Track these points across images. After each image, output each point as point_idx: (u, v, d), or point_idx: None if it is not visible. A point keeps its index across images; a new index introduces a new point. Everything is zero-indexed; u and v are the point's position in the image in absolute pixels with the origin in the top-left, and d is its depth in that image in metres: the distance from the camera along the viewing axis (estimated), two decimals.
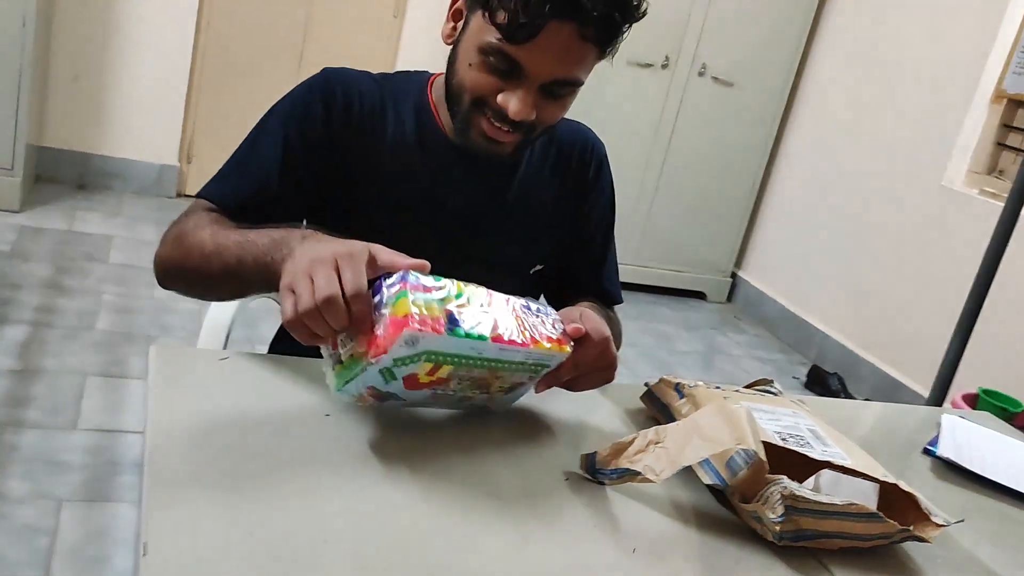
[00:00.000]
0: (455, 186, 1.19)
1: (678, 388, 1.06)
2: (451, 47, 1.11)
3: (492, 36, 1.02)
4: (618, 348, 1.24)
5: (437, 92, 1.19)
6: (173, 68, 3.66)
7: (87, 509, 1.79)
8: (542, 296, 1.36)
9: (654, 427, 0.90)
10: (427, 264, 0.86)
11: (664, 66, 3.78)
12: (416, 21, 3.85)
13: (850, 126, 3.76)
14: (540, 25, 0.98)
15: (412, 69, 1.26)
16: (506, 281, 1.21)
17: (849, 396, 3.34)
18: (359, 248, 0.84)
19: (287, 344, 1.10)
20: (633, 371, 3.19)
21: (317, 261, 0.82)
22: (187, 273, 1.05)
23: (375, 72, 1.22)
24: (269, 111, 1.16)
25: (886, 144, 3.56)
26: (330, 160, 1.14)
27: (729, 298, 4.34)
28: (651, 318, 3.82)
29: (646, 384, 1.14)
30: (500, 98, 1.05)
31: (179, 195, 3.84)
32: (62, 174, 3.64)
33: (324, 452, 0.84)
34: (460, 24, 1.09)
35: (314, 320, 0.80)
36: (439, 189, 1.18)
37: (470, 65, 1.06)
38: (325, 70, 1.17)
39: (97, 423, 2.08)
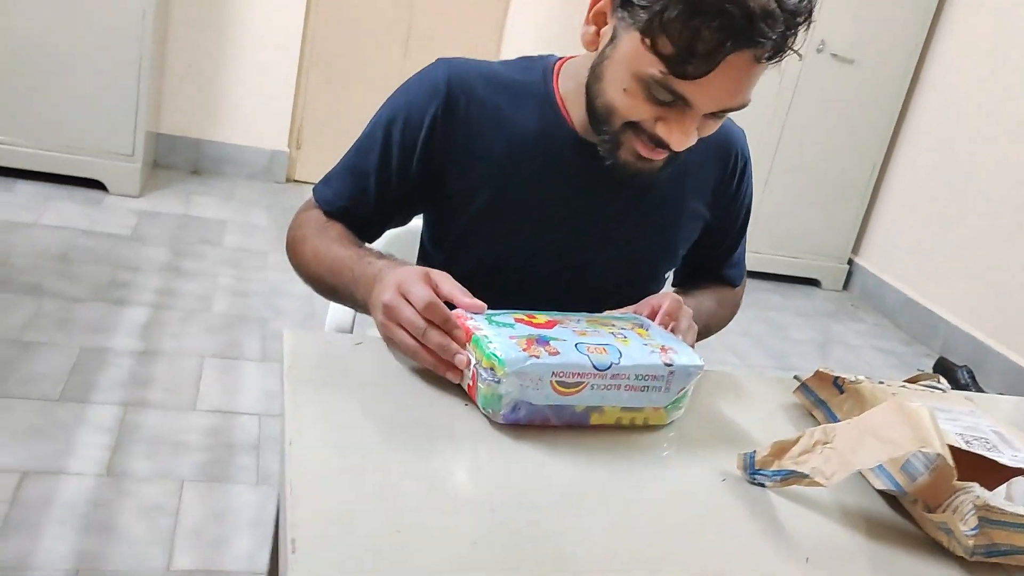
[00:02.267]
0: (587, 189, 1.08)
1: (837, 383, 0.97)
2: (595, 54, 0.98)
3: (655, 68, 0.89)
4: (720, 325, 1.25)
5: (565, 83, 1.07)
6: (283, 56, 3.70)
7: (207, 489, 1.81)
8: None
9: (820, 426, 0.82)
10: (483, 306, 0.88)
11: None
12: (523, 2, 3.79)
13: (979, 105, 3.53)
14: (717, 61, 0.86)
15: (536, 55, 1.15)
16: (642, 285, 1.15)
17: (979, 390, 3.14)
18: (414, 272, 0.89)
19: None
20: (746, 360, 3.08)
21: (387, 307, 0.87)
22: (301, 273, 1.12)
23: (496, 61, 1.12)
24: (381, 107, 1.11)
25: (1019, 125, 3.33)
26: (437, 169, 1.08)
27: (845, 286, 4.16)
28: (764, 306, 3.68)
29: (796, 377, 1.05)
30: (661, 129, 0.94)
31: (288, 180, 3.89)
32: (178, 160, 3.73)
33: (469, 443, 0.80)
34: (605, 31, 0.96)
35: (427, 350, 0.85)
36: (568, 191, 1.08)
37: (624, 90, 0.93)
38: (439, 64, 1.08)
39: (215, 404, 2.11)
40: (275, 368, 2.35)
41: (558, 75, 1.10)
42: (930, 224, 3.74)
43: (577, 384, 0.81)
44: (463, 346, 0.84)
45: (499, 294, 0.99)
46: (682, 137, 0.94)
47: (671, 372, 0.85)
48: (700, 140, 1.08)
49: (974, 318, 3.45)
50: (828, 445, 0.80)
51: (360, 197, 1.11)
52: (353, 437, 0.77)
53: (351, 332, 1.26)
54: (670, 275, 1.30)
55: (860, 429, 0.79)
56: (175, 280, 2.72)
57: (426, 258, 1.20)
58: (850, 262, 4.13)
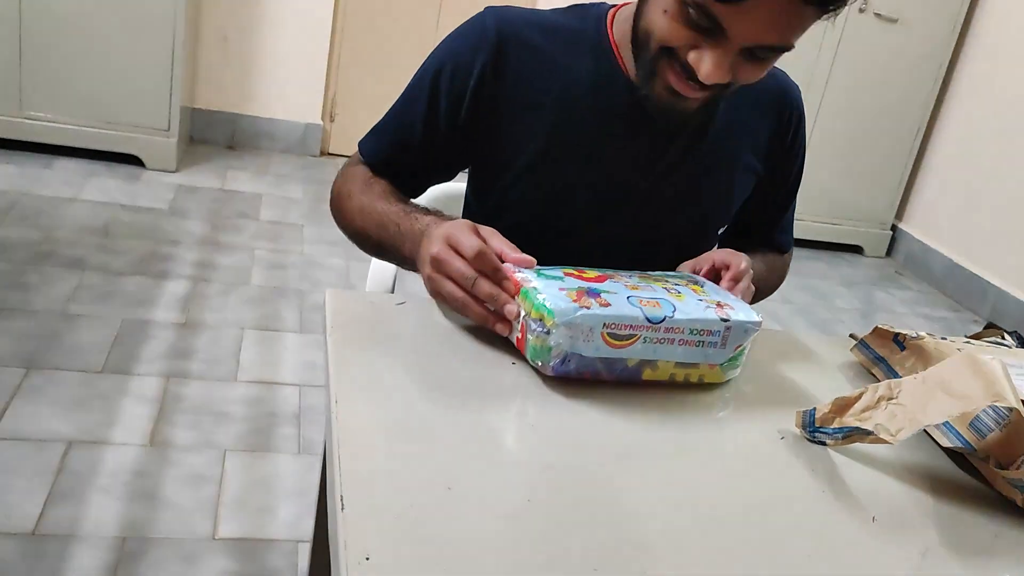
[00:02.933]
0: (641, 134, 1.04)
1: (898, 339, 0.94)
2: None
3: None
4: (767, 292, 1.20)
5: (619, 28, 1.04)
6: (315, 28, 3.68)
7: (250, 458, 1.81)
8: None
9: (884, 381, 0.78)
10: (533, 260, 0.86)
11: None
12: None
13: None
14: None
15: (589, 2, 1.11)
16: (694, 244, 1.11)
17: None
18: (462, 224, 0.87)
19: None
20: (790, 328, 3.02)
21: (435, 259, 0.85)
22: (350, 236, 1.10)
23: (552, 9, 1.08)
24: (429, 57, 1.08)
25: None
26: (487, 119, 1.05)
27: (889, 252, 4.07)
28: (806, 274, 3.62)
29: (852, 336, 1.02)
30: (692, 56, 0.89)
31: (323, 153, 3.88)
32: (213, 135, 3.74)
33: (519, 401, 0.78)
34: None
35: (476, 301, 0.83)
36: (621, 142, 1.04)
37: (664, 12, 0.89)
38: (487, 12, 1.04)
39: (255, 375, 2.11)
40: (313, 339, 2.34)
41: (612, 22, 1.06)
42: (977, 188, 3.64)
43: (629, 337, 0.78)
44: (512, 299, 0.82)
45: (547, 247, 0.97)
46: (713, 69, 0.88)
47: (728, 328, 0.82)
48: (754, 91, 1.05)
49: (1023, 282, 3.36)
50: (893, 401, 0.76)
51: (405, 148, 1.09)
52: (399, 395, 0.75)
53: (392, 292, 1.24)
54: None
55: (928, 384, 0.76)
56: (214, 253, 2.73)
57: (471, 214, 1.18)
58: (894, 228, 4.04)
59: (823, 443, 0.79)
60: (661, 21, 0.90)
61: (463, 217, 1.20)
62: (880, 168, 3.90)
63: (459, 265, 0.83)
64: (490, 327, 0.84)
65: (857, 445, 0.78)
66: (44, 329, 2.12)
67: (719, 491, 0.70)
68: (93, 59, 3.12)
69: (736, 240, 1.22)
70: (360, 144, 1.13)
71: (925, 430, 0.82)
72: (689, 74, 0.91)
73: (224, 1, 3.56)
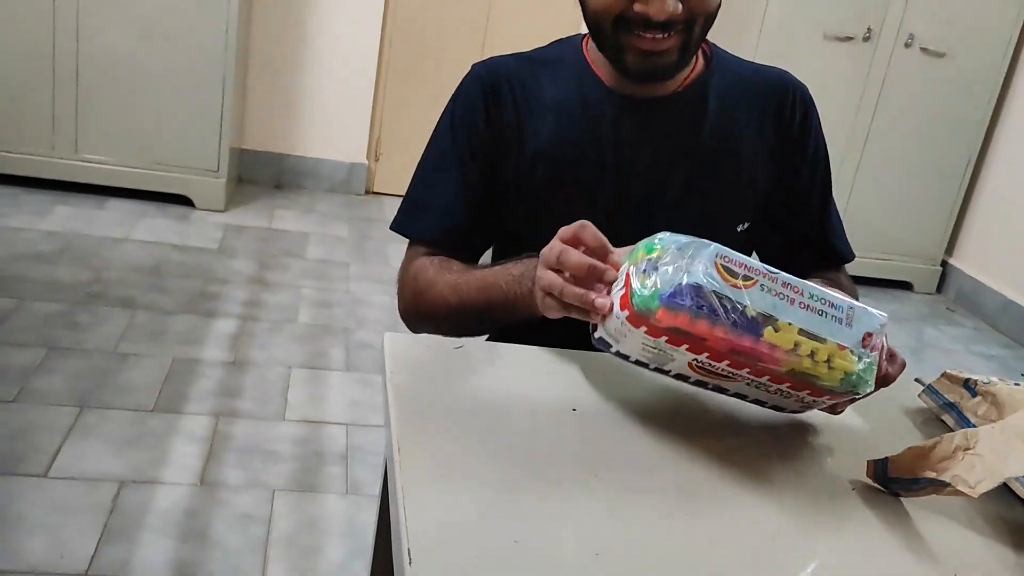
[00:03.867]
0: (636, 139, 1.07)
1: (968, 385, 0.91)
2: None
3: None
4: None
5: (592, 46, 1.08)
6: (360, 70, 3.74)
7: (298, 499, 1.81)
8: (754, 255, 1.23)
9: (960, 431, 0.76)
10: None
11: (866, 39, 3.50)
12: None
13: None
14: None
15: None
16: (710, 239, 1.10)
17: None
18: (566, 229, 0.85)
19: (508, 333, 1.06)
20: None
21: (543, 259, 0.84)
22: (439, 325, 1.07)
23: (528, 50, 1.14)
24: (437, 127, 1.13)
25: None
26: (501, 157, 1.09)
27: (939, 288, 3.99)
28: None
29: (917, 379, 0.99)
30: (637, 6, 0.94)
31: (367, 192, 3.92)
32: (260, 175, 3.80)
33: (580, 452, 0.76)
34: None
35: (572, 291, 0.79)
36: (616, 147, 1.07)
37: None
38: (474, 67, 1.12)
39: (303, 414, 2.12)
40: (360, 378, 2.35)
41: (587, 44, 1.11)
42: None
43: (747, 278, 0.73)
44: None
45: None
46: (660, 4, 0.93)
47: (851, 308, 0.77)
48: (747, 83, 1.11)
49: None
50: (970, 451, 0.74)
51: (454, 211, 1.09)
52: (460, 444, 0.74)
53: None
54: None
55: (1007, 434, 0.73)
56: (261, 292, 2.76)
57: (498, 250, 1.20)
58: (944, 263, 3.97)
59: (897, 494, 0.76)
60: None
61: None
62: (929, 202, 3.84)
63: (561, 254, 0.82)
64: (594, 310, 0.78)
65: (933, 497, 0.75)
66: (96, 368, 2.15)
67: (791, 543, 0.68)
68: (146, 102, 3.20)
69: (792, 259, 1.18)
70: (401, 228, 1.13)
71: (1005, 482, 0.79)
72: (646, 25, 0.95)
73: (272, 42, 3.64)
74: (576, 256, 0.81)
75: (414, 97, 3.84)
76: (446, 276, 1.05)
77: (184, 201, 3.35)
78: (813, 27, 3.40)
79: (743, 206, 1.13)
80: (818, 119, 1.15)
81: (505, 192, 1.10)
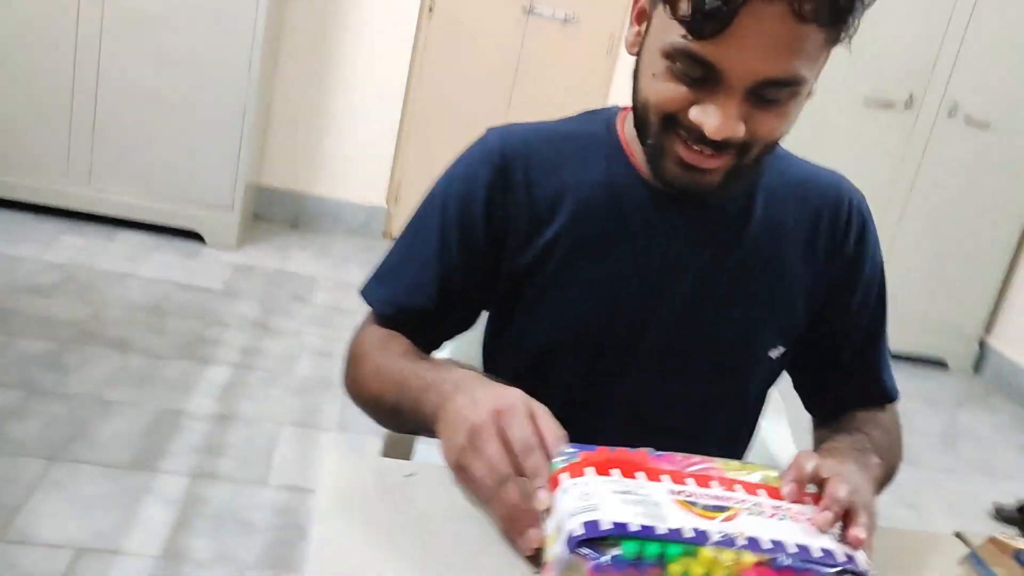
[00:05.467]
0: (667, 241, 0.93)
1: (1019, 557, 0.76)
2: (635, 58, 0.87)
3: (676, 34, 0.77)
4: (890, 478, 0.95)
5: (630, 128, 0.93)
6: (385, 113, 3.66)
7: None
8: (779, 387, 1.08)
9: None
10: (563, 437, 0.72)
11: (907, 105, 3.36)
12: (629, 60, 3.66)
13: None
14: (734, 9, 0.73)
15: (600, 108, 1.02)
16: (737, 365, 0.97)
17: None
18: (517, 402, 0.73)
19: None
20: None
21: (475, 431, 0.71)
22: (364, 406, 0.96)
23: (552, 120, 1.00)
24: (431, 189, 0.99)
25: None
26: (500, 250, 0.95)
27: (976, 369, 3.80)
28: None
29: (959, 536, 0.85)
30: (693, 113, 0.80)
31: (386, 236, 3.83)
32: (277, 213, 3.72)
33: None
34: (644, 28, 0.85)
35: (503, 504, 0.69)
36: (643, 250, 0.93)
37: (653, 75, 0.82)
38: (488, 135, 0.97)
39: (287, 479, 2.00)
40: (353, 440, 2.23)
41: (623, 123, 0.97)
42: None
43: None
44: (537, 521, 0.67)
45: (571, 376, 0.95)
46: (719, 121, 0.78)
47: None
48: (801, 186, 0.96)
49: None
50: None
51: (421, 291, 0.96)
52: None
53: (410, 457, 1.11)
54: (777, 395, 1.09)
55: None
56: (262, 338, 2.65)
57: (490, 355, 1.05)
58: (982, 343, 3.78)
59: None
60: (653, 87, 0.82)
61: (483, 360, 1.07)
62: (969, 278, 3.67)
63: (495, 453, 0.70)
64: (509, 538, 0.70)
65: None
66: (75, 416, 2.04)
67: None
68: (164, 134, 3.14)
69: (830, 392, 1.04)
70: (365, 293, 1.00)
71: None
72: (698, 137, 0.81)
73: (298, 79, 3.58)
74: (525, 431, 0.70)
75: (437, 142, 3.76)
76: (379, 357, 0.92)
77: (196, 236, 3.27)
78: (853, 92, 3.27)
79: (780, 330, 0.98)
80: (876, 235, 1.01)
81: (508, 283, 0.97)
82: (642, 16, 0.86)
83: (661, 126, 0.83)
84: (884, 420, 0.99)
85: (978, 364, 3.79)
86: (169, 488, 1.87)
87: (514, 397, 0.74)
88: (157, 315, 2.64)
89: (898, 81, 3.33)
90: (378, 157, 3.73)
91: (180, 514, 1.80)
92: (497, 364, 1.03)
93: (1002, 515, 2.55)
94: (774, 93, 0.79)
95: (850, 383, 1.02)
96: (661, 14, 0.79)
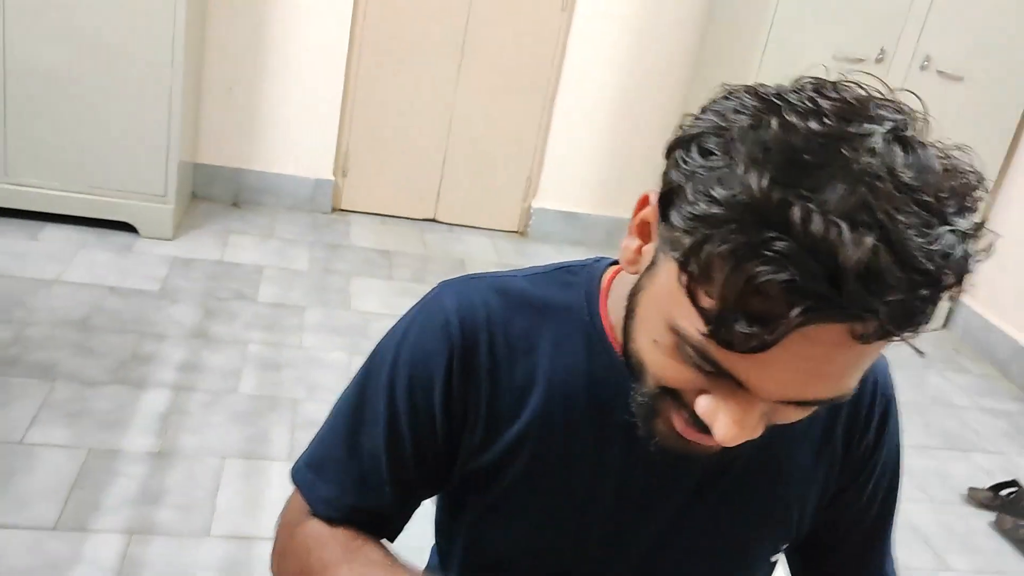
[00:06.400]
0: (650, 454, 0.72)
1: None
2: (635, 279, 0.67)
3: (693, 322, 0.57)
4: None
5: (617, 306, 0.74)
6: (327, 77, 3.42)
7: None
8: None
9: None
10: None
11: (879, 60, 3.19)
12: (586, 15, 3.43)
13: None
14: (782, 333, 0.53)
15: (580, 261, 0.82)
16: (730, 568, 0.83)
17: None
18: None
19: None
20: None
21: None
22: None
23: (523, 275, 0.80)
24: (375, 362, 0.80)
25: None
26: (456, 445, 0.78)
27: (946, 324, 3.74)
28: None
29: None
30: (703, 406, 0.61)
31: (334, 210, 3.63)
32: (217, 191, 3.50)
33: None
34: (647, 249, 0.66)
35: None
36: (624, 459, 0.77)
37: (655, 342, 0.63)
38: (445, 299, 0.78)
39: (232, 527, 1.86)
40: None
41: (607, 293, 0.78)
42: None
43: None
44: None
45: None
46: (733, 428, 0.60)
47: None
48: None
49: None
50: None
51: (373, 490, 0.79)
52: None
53: None
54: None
55: None
56: (202, 350, 2.48)
57: (442, 552, 0.91)
58: (952, 299, 3.70)
59: None
60: (652, 354, 0.63)
61: (436, 539, 0.92)
62: None
63: None
64: None
65: None
66: None
67: None
68: (84, 120, 2.89)
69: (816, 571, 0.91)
70: (304, 486, 0.82)
71: None
72: (699, 426, 0.63)
73: (229, 51, 3.32)
74: None
75: (386, 109, 3.53)
76: (354, 568, 0.74)
77: (130, 228, 3.05)
78: (821, 48, 3.09)
79: (783, 534, 0.83)
80: (897, 415, 0.85)
81: (469, 479, 0.80)
82: (644, 232, 0.66)
83: (657, 391, 0.65)
84: None
85: (947, 320, 3.73)
86: (103, 550, 1.73)
87: None
88: (87, 331, 2.45)
89: (869, 35, 3.16)
90: (322, 126, 3.50)
91: None
92: (449, 551, 0.89)
93: (976, 499, 2.51)
94: (809, 404, 0.62)
95: (850, 573, 0.89)
96: (673, 275, 0.59)
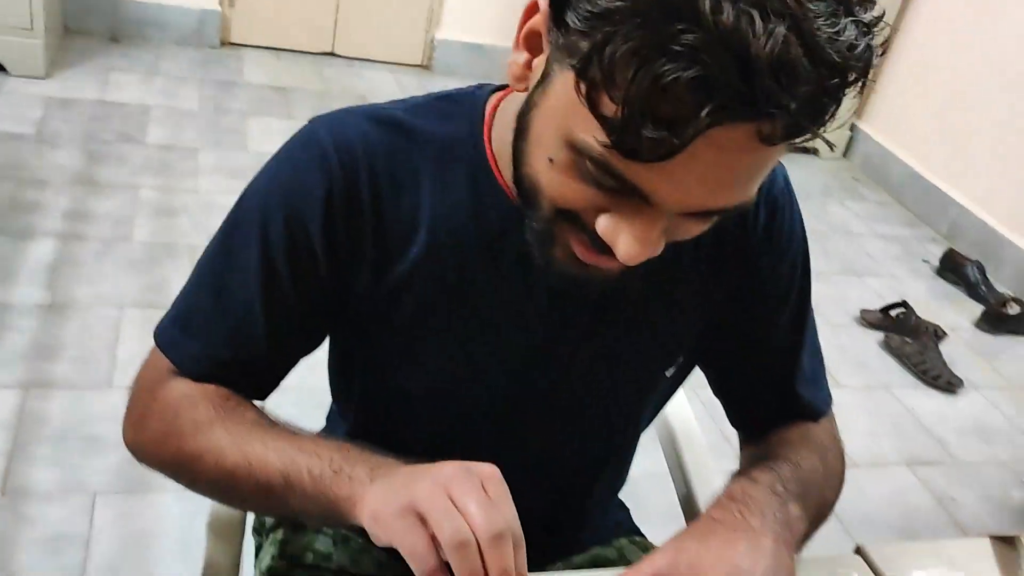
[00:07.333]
0: (542, 281, 0.73)
1: None
2: (525, 96, 0.62)
3: (592, 133, 0.54)
4: (821, 521, 0.80)
5: (501, 134, 0.70)
6: None
7: (124, 504, 1.55)
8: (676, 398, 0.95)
9: None
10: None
11: None
12: None
13: None
14: (690, 136, 0.50)
15: (463, 88, 0.76)
16: (629, 390, 0.83)
17: (990, 288, 2.90)
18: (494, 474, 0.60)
19: None
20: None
21: (454, 478, 0.58)
22: (191, 480, 0.74)
23: (402, 107, 0.74)
24: (243, 205, 0.75)
25: None
26: (345, 271, 0.73)
27: (846, 153, 3.81)
28: None
29: (858, 550, 0.78)
30: (603, 225, 0.59)
31: (224, 44, 3.39)
32: (93, 24, 3.22)
33: None
34: (538, 62, 0.60)
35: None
36: (516, 289, 0.74)
37: (551, 161, 0.59)
38: (318, 130, 0.72)
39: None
40: None
41: (491, 121, 0.73)
42: (943, 88, 3.36)
43: None
44: None
45: (434, 426, 0.81)
46: (636, 245, 0.58)
47: None
48: None
49: (988, 202, 3.16)
50: None
51: (246, 341, 0.74)
52: None
53: None
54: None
55: None
56: (88, 197, 2.34)
57: (338, 388, 0.88)
58: (852, 126, 3.77)
59: None
60: (548, 175, 0.60)
61: (332, 390, 0.89)
62: None
63: (460, 526, 0.56)
64: None
65: None
66: None
67: None
68: None
69: (746, 408, 0.89)
70: (166, 345, 0.76)
71: None
72: (602, 248, 0.60)
73: None
74: (491, 515, 0.56)
75: None
76: (230, 427, 0.70)
77: None
78: None
79: (675, 350, 0.81)
80: (793, 220, 0.80)
81: (352, 323, 0.77)
82: (533, 45, 0.61)
83: (553, 215, 0.61)
84: (817, 438, 0.84)
85: (848, 148, 3.80)
86: (0, 407, 1.68)
87: (488, 470, 0.60)
88: None
89: None
90: None
91: (14, 439, 1.62)
92: (349, 396, 0.86)
93: (867, 320, 2.63)
94: (710, 214, 0.59)
95: (766, 398, 0.86)
96: (570, 84, 0.54)
